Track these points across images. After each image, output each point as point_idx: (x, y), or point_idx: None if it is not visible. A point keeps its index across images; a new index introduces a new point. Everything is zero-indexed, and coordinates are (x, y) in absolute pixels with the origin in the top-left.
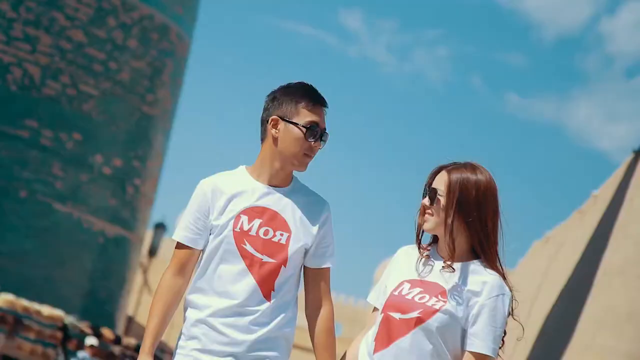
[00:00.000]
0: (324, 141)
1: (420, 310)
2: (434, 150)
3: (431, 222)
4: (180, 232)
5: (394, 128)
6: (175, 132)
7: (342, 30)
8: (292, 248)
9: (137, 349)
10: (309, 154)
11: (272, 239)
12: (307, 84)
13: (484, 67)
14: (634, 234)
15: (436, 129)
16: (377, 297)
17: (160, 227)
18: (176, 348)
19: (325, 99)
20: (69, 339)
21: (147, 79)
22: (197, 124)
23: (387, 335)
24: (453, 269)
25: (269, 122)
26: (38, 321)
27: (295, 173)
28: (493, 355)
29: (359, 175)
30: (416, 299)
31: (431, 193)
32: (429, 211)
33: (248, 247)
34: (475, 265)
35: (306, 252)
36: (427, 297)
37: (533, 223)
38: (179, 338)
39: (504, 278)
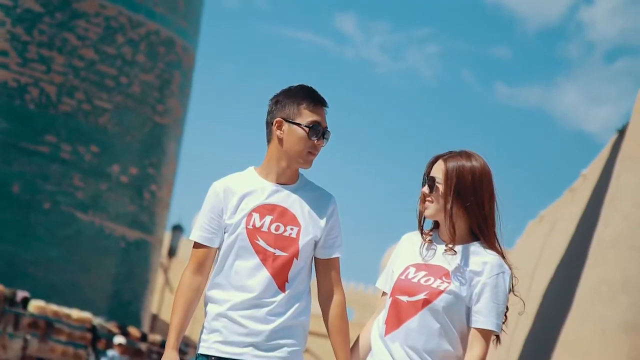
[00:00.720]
0: (326, 139)
1: (427, 292)
2: (430, 141)
3: (431, 209)
4: (197, 232)
5: (392, 123)
6: (186, 139)
7: (337, 34)
8: (302, 241)
9: (162, 344)
10: (312, 151)
11: (283, 234)
12: (308, 86)
13: (473, 61)
14: (623, 209)
15: (431, 121)
16: (385, 282)
17: (177, 229)
18: (199, 341)
19: (325, 99)
20: (98, 339)
21: (157, 90)
22: (206, 129)
23: (396, 317)
24: (455, 251)
25: (274, 124)
26: (68, 324)
27: (301, 170)
28: (497, 330)
29: (362, 169)
30: (422, 281)
31: (430, 181)
32: (429, 199)
33: (261, 243)
34: (476, 247)
35: (316, 244)
36: (432, 279)
37: (528, 204)
38: (202, 332)
39: (503, 257)
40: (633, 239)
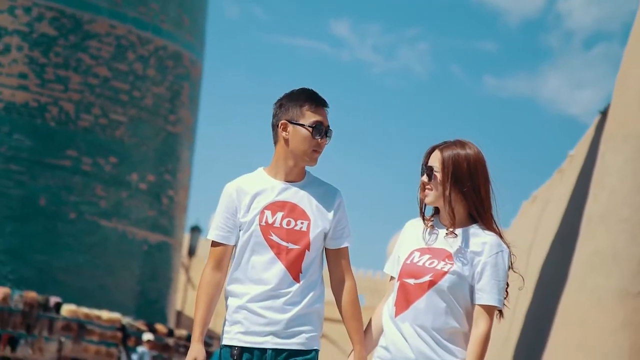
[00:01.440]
0: (329, 137)
1: (432, 274)
2: (426, 133)
3: (431, 196)
4: (214, 231)
5: (389, 118)
6: (198, 145)
7: (333, 38)
8: (312, 234)
9: (188, 338)
10: (317, 149)
11: (295, 228)
12: (309, 89)
13: (461, 55)
14: (609, 185)
15: (425, 114)
16: (392, 267)
17: (195, 230)
18: (222, 333)
19: (326, 100)
20: (128, 337)
21: (168, 101)
22: (216, 134)
23: (405, 299)
24: (455, 234)
25: (279, 126)
26: (99, 325)
27: (307, 168)
28: (499, 306)
29: (365, 163)
30: (426, 264)
31: (428, 171)
32: (428, 187)
33: (274, 238)
34: (475, 229)
35: (325, 235)
36: (436, 261)
37: (521, 186)
38: (224, 324)
39: (501, 237)
40: (620, 212)
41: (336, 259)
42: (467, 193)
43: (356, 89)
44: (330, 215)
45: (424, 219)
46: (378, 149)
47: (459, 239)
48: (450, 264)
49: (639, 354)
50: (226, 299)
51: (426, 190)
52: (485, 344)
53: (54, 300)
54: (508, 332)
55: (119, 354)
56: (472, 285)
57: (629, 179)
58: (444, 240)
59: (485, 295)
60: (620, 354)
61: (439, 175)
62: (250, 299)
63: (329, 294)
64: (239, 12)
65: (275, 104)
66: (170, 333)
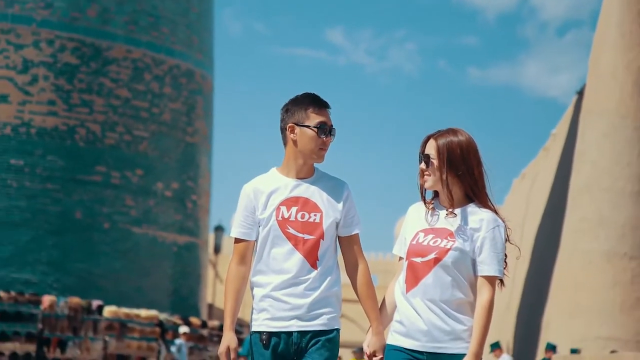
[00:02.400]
0: (333, 135)
1: (436, 251)
2: (420, 124)
3: (430, 181)
4: (236, 229)
5: (386, 114)
6: (215, 152)
7: (329, 46)
8: (325, 224)
9: (220, 328)
10: (323, 148)
11: (309, 220)
12: (311, 93)
13: (446, 51)
14: (590, 159)
15: (418, 107)
16: (400, 248)
17: (219, 229)
18: (251, 321)
19: (328, 102)
20: (165, 331)
21: (185, 115)
22: (231, 141)
23: (413, 276)
24: (455, 214)
25: (287, 129)
26: (139, 323)
27: (316, 165)
28: (500, 275)
29: (368, 156)
30: (431, 243)
31: (425, 158)
32: (427, 173)
33: (291, 230)
34: (472, 208)
35: (337, 225)
36: (439, 240)
37: (510, 165)
38: (252, 313)
39: (496, 213)
40: (602, 182)
41: (349, 245)
42: (462, 176)
43: (354, 89)
44: (340, 206)
45: (425, 202)
46: (378, 142)
47: (459, 218)
48: (452, 241)
49: (629, 310)
50: (252, 289)
51: (425, 176)
52: (489, 311)
53: (96, 303)
54: (509, 298)
55: (158, 347)
56: (473, 259)
57: (607, 152)
58: (444, 220)
59: (486, 267)
60: (612, 310)
61: (435, 162)
62: (273, 287)
63: (344, 278)
64: (241, 29)
65: (282, 109)
66: (204, 325)
